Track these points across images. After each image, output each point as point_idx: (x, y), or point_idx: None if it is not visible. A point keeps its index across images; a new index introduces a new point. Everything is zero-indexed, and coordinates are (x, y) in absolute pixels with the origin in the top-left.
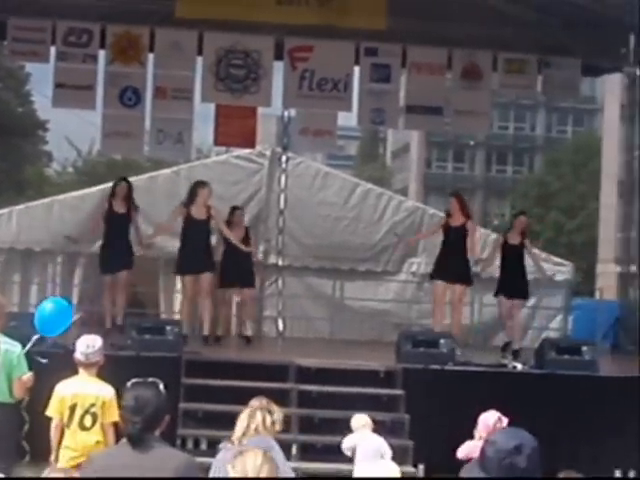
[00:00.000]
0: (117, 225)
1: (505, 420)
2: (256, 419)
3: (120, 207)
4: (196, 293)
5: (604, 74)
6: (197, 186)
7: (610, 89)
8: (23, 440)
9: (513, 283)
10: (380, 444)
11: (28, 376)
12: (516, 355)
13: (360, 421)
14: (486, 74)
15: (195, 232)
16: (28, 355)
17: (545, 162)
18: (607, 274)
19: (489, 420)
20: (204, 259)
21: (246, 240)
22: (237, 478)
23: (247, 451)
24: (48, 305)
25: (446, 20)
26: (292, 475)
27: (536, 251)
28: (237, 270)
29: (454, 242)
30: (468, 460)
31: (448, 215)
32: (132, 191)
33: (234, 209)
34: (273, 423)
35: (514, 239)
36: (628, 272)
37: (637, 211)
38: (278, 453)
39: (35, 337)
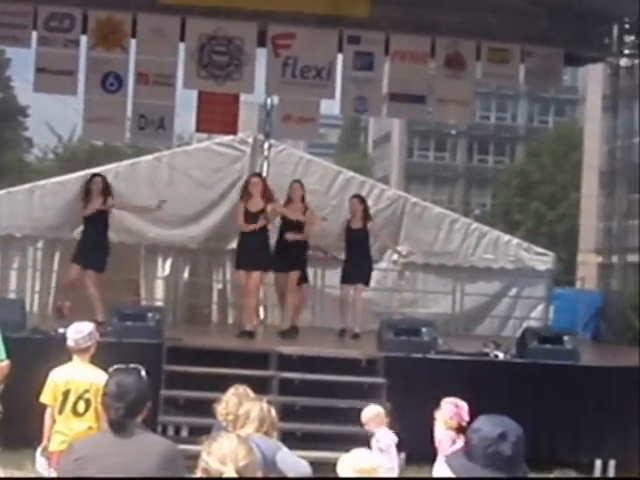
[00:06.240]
0: (93, 222)
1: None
2: (267, 420)
3: (95, 204)
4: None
5: (587, 64)
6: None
7: (592, 79)
8: None
9: (356, 269)
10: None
11: (6, 363)
12: (356, 337)
13: (375, 417)
14: (469, 63)
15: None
16: (7, 342)
17: (527, 152)
18: (588, 264)
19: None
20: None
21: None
22: None
23: (220, 436)
24: None
25: (430, 7)
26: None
27: (383, 232)
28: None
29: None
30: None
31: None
32: (108, 185)
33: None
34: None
35: (356, 224)
36: (609, 262)
37: (618, 201)
38: (290, 456)
39: None
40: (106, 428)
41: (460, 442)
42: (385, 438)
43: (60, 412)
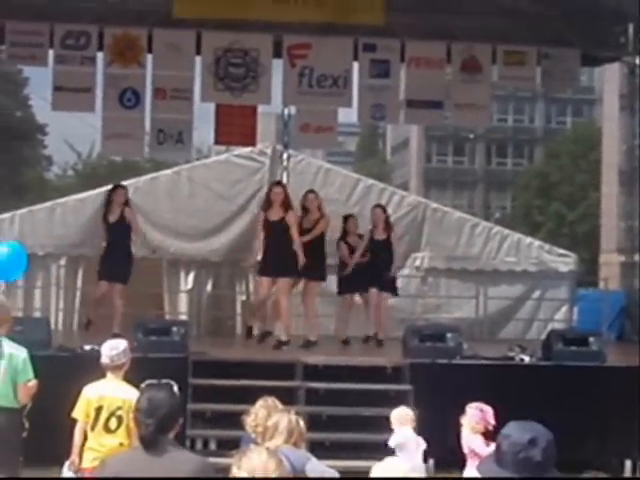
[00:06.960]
0: (117, 234)
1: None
2: (295, 432)
3: (117, 215)
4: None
5: (603, 64)
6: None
7: (609, 79)
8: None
9: (382, 277)
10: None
11: (34, 382)
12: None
13: (400, 417)
14: (486, 67)
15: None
16: (33, 361)
17: (545, 153)
18: (610, 264)
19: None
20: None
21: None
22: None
23: (250, 450)
24: (3, 250)
25: (444, 13)
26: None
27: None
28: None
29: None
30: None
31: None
32: (128, 199)
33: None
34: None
35: (379, 234)
36: (632, 261)
37: (638, 200)
38: (319, 466)
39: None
40: (138, 445)
41: (492, 447)
42: (398, 437)
43: (92, 428)
